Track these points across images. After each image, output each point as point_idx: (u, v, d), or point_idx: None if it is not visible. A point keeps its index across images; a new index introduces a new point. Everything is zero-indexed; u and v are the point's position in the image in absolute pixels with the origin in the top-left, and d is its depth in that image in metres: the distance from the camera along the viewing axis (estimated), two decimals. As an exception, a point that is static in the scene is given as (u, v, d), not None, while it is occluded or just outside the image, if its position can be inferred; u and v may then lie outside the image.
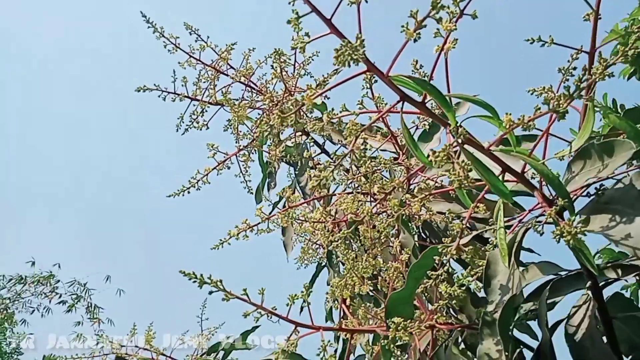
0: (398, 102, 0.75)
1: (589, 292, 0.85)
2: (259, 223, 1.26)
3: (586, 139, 0.80)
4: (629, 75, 3.95)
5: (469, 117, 0.81)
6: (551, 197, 0.83)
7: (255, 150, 1.76)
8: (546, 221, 0.81)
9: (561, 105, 0.65)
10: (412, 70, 0.99)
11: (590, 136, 0.82)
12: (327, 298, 2.61)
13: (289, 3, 0.68)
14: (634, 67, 3.80)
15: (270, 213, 2.08)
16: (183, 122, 1.73)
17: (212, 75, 1.66)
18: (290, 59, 1.50)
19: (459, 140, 0.69)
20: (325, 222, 1.24)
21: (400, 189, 1.17)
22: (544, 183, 0.87)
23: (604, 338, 0.78)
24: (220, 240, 1.19)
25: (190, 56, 1.61)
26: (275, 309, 0.95)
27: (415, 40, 0.67)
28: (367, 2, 0.70)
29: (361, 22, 0.71)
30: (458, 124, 0.75)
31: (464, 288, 0.79)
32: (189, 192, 1.42)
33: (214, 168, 1.48)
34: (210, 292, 0.92)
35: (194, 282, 0.93)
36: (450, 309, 1.13)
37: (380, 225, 1.10)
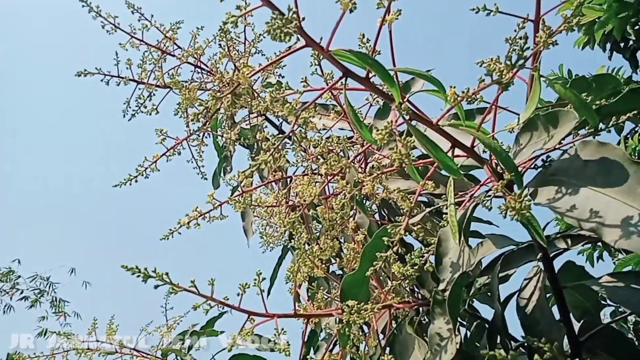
0: (341, 78, 0.71)
1: (540, 264, 0.85)
2: (211, 210, 1.21)
3: (533, 110, 0.79)
4: (583, 44, 4.01)
5: (415, 92, 0.78)
6: (501, 171, 0.82)
7: (209, 134, 1.70)
8: (494, 195, 0.80)
9: (504, 76, 0.63)
10: (359, 45, 0.95)
11: (537, 107, 0.81)
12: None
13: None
14: (587, 37, 3.86)
15: (231, 196, 2.03)
16: (130, 107, 1.65)
17: (158, 56, 1.58)
18: (239, 37, 1.43)
19: (405, 117, 0.66)
20: (280, 205, 1.20)
21: (352, 169, 1.14)
22: (494, 157, 0.86)
23: (555, 308, 0.78)
24: (170, 229, 1.14)
25: (132, 36, 1.52)
26: (228, 299, 0.92)
27: (351, 11, 0.63)
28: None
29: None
30: (403, 100, 0.72)
31: (416, 267, 0.78)
32: (136, 181, 1.36)
33: (163, 154, 1.42)
34: (156, 287, 0.88)
35: (137, 276, 0.88)
36: (414, 287, 1.13)
37: (336, 206, 1.08)
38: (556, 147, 0.69)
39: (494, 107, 0.81)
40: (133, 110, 1.59)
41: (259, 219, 1.96)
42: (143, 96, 1.60)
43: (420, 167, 0.87)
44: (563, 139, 0.66)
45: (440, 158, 0.73)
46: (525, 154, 0.74)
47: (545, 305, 0.76)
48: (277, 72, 1.60)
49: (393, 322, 0.93)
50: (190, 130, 1.53)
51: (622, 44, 3.70)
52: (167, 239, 1.14)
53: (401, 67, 0.73)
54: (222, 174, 1.75)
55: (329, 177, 1.33)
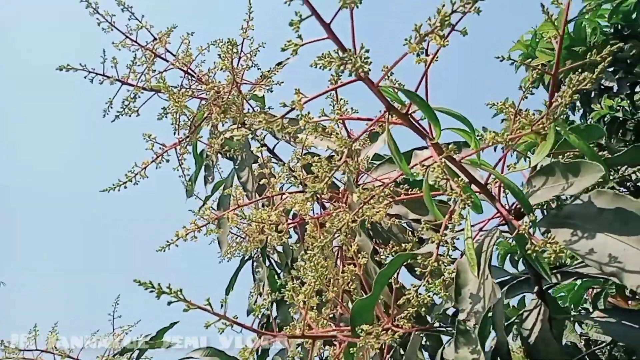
0: (385, 112, 0.75)
1: (537, 297, 0.92)
2: (208, 223, 1.19)
3: (544, 155, 0.86)
4: (529, 84, 4.29)
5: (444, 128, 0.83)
6: (507, 208, 0.89)
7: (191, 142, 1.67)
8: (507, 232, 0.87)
9: (545, 128, 0.70)
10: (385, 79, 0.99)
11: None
12: (251, 292, 2.57)
13: (285, 3, 0.64)
14: (533, 77, 4.15)
15: (201, 208, 2.00)
16: (112, 107, 1.59)
17: (149, 58, 1.54)
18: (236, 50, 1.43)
19: (446, 155, 0.71)
20: (280, 223, 1.21)
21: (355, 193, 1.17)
22: (502, 195, 0.93)
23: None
24: (168, 241, 1.11)
25: (127, 37, 1.47)
26: (237, 318, 0.91)
27: (418, 55, 0.67)
28: (358, 6, 0.68)
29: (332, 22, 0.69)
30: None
31: (433, 296, 0.82)
32: (125, 187, 1.31)
33: (153, 161, 1.38)
34: (169, 303, 0.86)
35: (151, 292, 0.86)
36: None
37: (333, 226, 1.09)
38: (575, 194, 0.76)
39: (509, 150, 0.88)
40: (117, 112, 1.54)
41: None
42: (129, 98, 1.55)
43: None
44: (586, 187, 0.73)
45: (465, 194, 0.78)
46: (541, 196, 0.81)
47: (549, 337, 0.83)
48: (266, 87, 1.61)
49: (396, 345, 0.96)
50: (180, 137, 1.50)
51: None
52: (164, 250, 1.12)
53: (437, 106, 0.77)
54: (204, 183, 1.71)
55: (323, 198, 1.35)
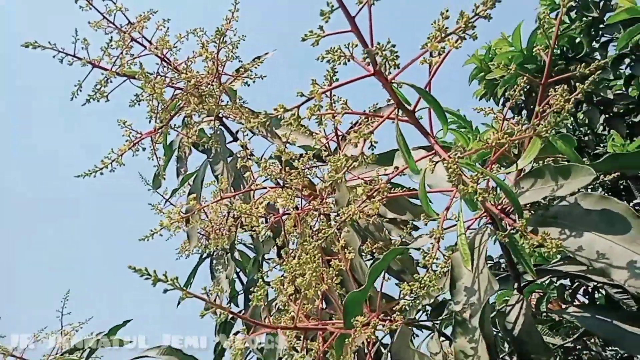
0: (395, 108, 0.77)
1: (518, 292, 0.97)
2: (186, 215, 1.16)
3: (532, 159, 0.91)
4: (481, 96, 4.51)
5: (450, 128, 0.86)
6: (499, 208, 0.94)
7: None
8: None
9: (548, 133, 0.74)
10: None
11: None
12: (210, 290, 2.51)
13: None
14: (486, 90, 4.36)
15: (168, 198, 1.94)
16: (80, 90, 1.51)
17: (125, 42, 1.48)
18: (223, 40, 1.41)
19: (456, 155, 0.74)
20: (267, 215, 1.20)
21: (342, 187, 1.19)
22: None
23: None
24: (152, 230, 1.08)
25: (105, 17, 1.41)
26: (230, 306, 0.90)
27: (438, 53, 0.69)
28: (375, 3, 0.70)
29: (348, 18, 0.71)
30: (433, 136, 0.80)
31: (429, 288, 0.85)
32: (102, 173, 1.25)
33: (130, 148, 1.33)
34: (165, 291, 0.83)
35: (146, 279, 0.83)
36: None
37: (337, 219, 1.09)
38: (564, 195, 0.82)
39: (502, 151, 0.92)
40: (88, 96, 1.47)
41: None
42: (102, 82, 1.48)
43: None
44: (577, 189, 0.78)
45: (465, 193, 0.82)
46: (530, 197, 0.86)
47: (532, 329, 0.88)
48: (246, 79, 1.60)
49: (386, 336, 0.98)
50: (155, 125, 1.45)
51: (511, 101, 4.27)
52: (147, 240, 1.08)
53: (445, 107, 0.80)
54: (176, 175, 1.67)
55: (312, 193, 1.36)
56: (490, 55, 4.02)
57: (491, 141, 0.78)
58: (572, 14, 3.23)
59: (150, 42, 1.55)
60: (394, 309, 0.90)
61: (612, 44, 3.02)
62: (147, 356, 2.06)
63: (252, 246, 2.52)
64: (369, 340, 1.02)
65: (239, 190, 1.42)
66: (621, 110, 2.94)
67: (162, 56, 1.54)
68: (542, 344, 0.86)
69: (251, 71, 1.54)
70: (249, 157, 1.63)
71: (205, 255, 2.75)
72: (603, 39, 3.10)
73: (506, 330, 0.90)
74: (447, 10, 0.70)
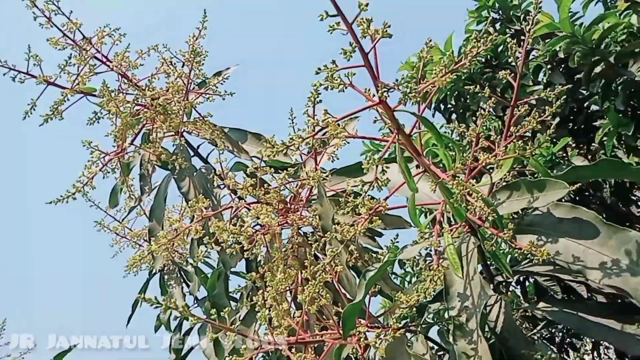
0: (396, 134, 0.83)
1: (495, 292, 1.07)
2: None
3: (505, 173, 1.02)
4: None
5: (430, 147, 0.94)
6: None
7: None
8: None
9: (529, 155, 0.84)
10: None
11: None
12: (164, 306, 2.45)
13: (328, 31, 0.70)
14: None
15: (125, 218, 1.88)
16: (34, 109, 1.44)
17: (84, 59, 1.42)
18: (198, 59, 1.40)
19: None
20: (250, 232, 1.22)
21: (325, 202, 1.24)
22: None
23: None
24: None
25: (64, 34, 1.35)
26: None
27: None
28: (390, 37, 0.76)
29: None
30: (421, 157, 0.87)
31: (421, 297, 0.92)
32: (74, 198, 1.20)
33: (100, 169, 1.29)
34: (176, 318, 0.84)
35: (156, 307, 0.83)
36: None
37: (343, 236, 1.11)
38: (539, 206, 0.92)
39: (480, 166, 1.02)
40: (46, 115, 1.40)
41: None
42: (59, 100, 1.42)
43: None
44: (551, 201, 0.89)
45: (455, 206, 0.90)
46: (507, 208, 0.96)
47: (514, 327, 0.98)
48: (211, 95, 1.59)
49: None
50: (120, 144, 1.41)
51: (442, 106, 4.53)
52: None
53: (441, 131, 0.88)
54: (140, 193, 1.62)
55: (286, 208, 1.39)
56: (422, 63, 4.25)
57: (481, 161, 0.87)
58: (497, 26, 3.50)
59: (108, 59, 1.50)
60: (394, 316, 0.97)
61: (533, 53, 3.32)
62: None
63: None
64: (360, 346, 1.08)
65: (225, 207, 1.42)
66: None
67: (122, 73, 1.50)
68: (524, 338, 0.96)
69: (216, 87, 1.54)
70: (216, 174, 1.63)
71: (155, 271, 2.68)
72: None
73: (489, 328, 1.00)
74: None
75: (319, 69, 0.74)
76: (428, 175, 0.95)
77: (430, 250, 1.19)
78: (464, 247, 0.98)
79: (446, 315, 1.07)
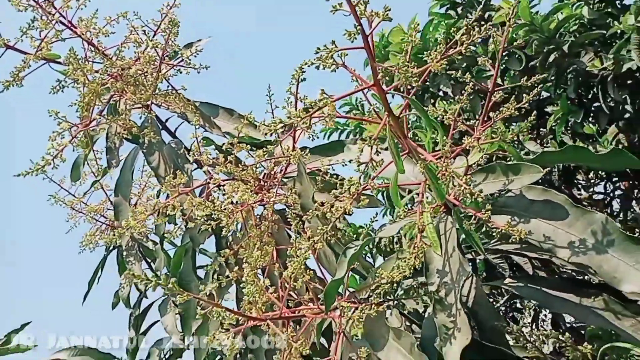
0: (387, 116, 0.85)
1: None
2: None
3: (480, 156, 1.07)
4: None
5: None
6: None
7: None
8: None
9: (509, 139, 0.89)
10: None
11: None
12: (121, 284, 2.41)
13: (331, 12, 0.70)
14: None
15: (88, 192, 1.83)
16: (-7, 75, 1.35)
17: (49, 23, 1.34)
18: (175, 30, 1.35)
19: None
20: (230, 209, 1.21)
21: (305, 181, 1.25)
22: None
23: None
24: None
25: (27, -5, 1.26)
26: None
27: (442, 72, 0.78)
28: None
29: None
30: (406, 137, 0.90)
31: (406, 274, 0.96)
32: (44, 171, 1.15)
33: (70, 141, 1.23)
34: (165, 294, 0.83)
35: (145, 283, 0.82)
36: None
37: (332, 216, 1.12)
38: (513, 188, 0.98)
39: (459, 150, 1.06)
40: (6, 82, 1.31)
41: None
42: (20, 66, 1.33)
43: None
44: (525, 184, 0.94)
45: (437, 186, 0.94)
46: (484, 190, 1.01)
47: (483, 300, 1.05)
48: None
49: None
50: (89, 116, 1.35)
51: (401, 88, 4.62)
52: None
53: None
54: (107, 166, 1.56)
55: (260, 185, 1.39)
56: (383, 43, 4.28)
57: (465, 144, 0.91)
58: (459, 10, 3.56)
59: (73, 24, 1.42)
60: (375, 292, 1.00)
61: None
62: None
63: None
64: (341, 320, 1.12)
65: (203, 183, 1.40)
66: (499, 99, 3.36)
67: (89, 40, 1.43)
68: (493, 311, 1.03)
69: (189, 59, 1.50)
70: (186, 149, 1.60)
71: (112, 247, 2.61)
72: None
73: (462, 303, 1.06)
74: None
75: (318, 48, 0.74)
76: (409, 157, 0.99)
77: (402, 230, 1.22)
78: (442, 226, 1.03)
79: (421, 291, 1.13)
